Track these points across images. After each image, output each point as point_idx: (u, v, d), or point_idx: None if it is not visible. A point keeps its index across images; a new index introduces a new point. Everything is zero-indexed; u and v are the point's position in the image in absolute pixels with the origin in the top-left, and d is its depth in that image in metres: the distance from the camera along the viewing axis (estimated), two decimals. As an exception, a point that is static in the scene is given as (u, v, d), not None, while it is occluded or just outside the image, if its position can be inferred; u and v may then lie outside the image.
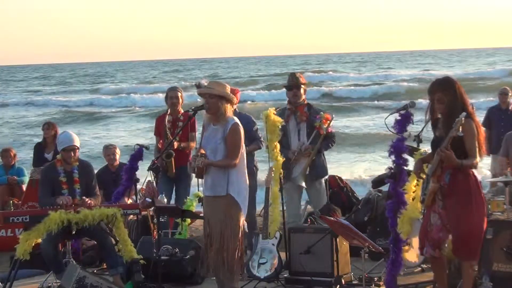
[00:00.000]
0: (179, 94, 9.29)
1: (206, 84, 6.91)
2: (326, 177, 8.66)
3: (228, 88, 6.59)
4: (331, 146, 8.43)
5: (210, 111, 6.50)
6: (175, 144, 8.85)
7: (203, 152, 6.54)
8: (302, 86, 8.28)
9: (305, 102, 8.34)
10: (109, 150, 9.84)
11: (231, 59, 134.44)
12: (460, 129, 5.67)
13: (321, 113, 8.21)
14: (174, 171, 9.04)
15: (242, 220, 6.51)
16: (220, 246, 6.39)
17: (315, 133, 8.16)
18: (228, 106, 6.52)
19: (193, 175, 6.82)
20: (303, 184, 8.20)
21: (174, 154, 8.79)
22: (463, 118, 5.67)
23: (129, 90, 47.27)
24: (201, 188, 8.44)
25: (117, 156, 9.82)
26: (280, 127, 8.08)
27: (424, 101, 8.55)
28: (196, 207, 8.51)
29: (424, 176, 6.07)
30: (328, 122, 8.17)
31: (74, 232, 7.33)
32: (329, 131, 8.18)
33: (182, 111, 9.23)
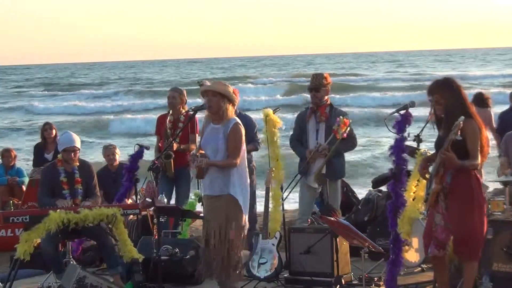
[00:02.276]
0: (177, 94, 9.23)
1: (209, 83, 6.92)
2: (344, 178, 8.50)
3: (231, 89, 6.60)
4: (352, 148, 8.36)
5: (211, 109, 6.49)
6: (175, 145, 8.83)
7: (202, 152, 6.55)
8: (324, 87, 8.20)
9: (328, 102, 8.25)
10: (108, 150, 9.83)
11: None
12: (459, 133, 5.68)
13: (341, 117, 8.04)
14: (173, 171, 9.03)
15: (244, 220, 6.51)
16: (221, 246, 6.40)
17: (332, 136, 8.04)
18: (230, 106, 6.51)
19: (193, 175, 6.80)
20: (316, 185, 8.15)
21: (173, 155, 8.78)
22: (461, 122, 5.66)
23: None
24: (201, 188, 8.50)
25: (117, 156, 9.82)
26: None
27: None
28: (196, 207, 8.52)
29: (428, 176, 6.08)
30: (346, 127, 8.00)
31: (74, 232, 7.34)
32: (344, 136, 8.02)
33: (184, 111, 9.21)
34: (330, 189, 8.25)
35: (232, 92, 6.57)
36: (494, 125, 11.04)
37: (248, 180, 6.61)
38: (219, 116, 6.49)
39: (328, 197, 8.37)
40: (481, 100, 11.14)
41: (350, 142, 8.22)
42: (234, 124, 6.46)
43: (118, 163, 9.75)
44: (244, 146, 6.53)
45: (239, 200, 6.43)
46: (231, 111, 6.52)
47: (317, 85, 8.17)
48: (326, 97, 8.23)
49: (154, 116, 15.63)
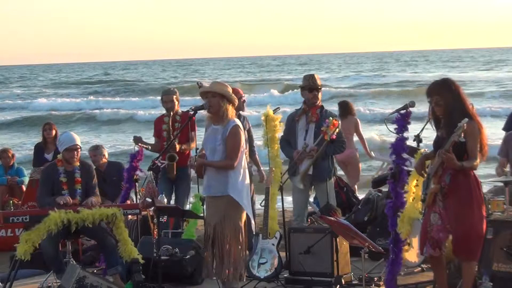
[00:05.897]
0: (174, 97, 9.18)
1: (207, 84, 6.93)
2: (333, 179, 8.38)
3: (230, 89, 6.61)
4: (340, 151, 8.35)
5: (211, 109, 6.50)
6: (177, 146, 8.82)
7: (203, 151, 6.59)
8: (318, 89, 8.21)
9: (320, 104, 8.26)
10: (95, 151, 9.85)
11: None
12: (462, 135, 5.68)
13: (330, 118, 8.04)
14: (175, 173, 9.00)
15: (244, 220, 6.52)
16: (221, 246, 6.41)
17: (320, 137, 8.04)
18: (230, 107, 6.52)
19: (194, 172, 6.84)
20: (301, 186, 8.14)
21: (177, 158, 8.78)
22: (465, 124, 5.67)
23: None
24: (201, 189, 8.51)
25: (102, 157, 9.79)
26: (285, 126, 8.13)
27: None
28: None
29: (425, 174, 6.08)
30: (334, 128, 7.99)
31: (74, 232, 7.35)
32: (333, 138, 8.01)
33: (180, 110, 9.20)
34: (318, 191, 8.30)
35: (231, 92, 6.58)
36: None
37: (248, 180, 6.62)
38: (219, 117, 6.50)
39: (319, 199, 8.40)
40: (346, 109, 11.18)
41: (338, 145, 8.21)
42: (233, 126, 6.47)
43: (105, 161, 9.76)
44: (242, 148, 6.54)
45: (239, 200, 6.44)
46: (231, 111, 6.53)
47: (317, 85, 8.19)
48: (319, 99, 8.25)
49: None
